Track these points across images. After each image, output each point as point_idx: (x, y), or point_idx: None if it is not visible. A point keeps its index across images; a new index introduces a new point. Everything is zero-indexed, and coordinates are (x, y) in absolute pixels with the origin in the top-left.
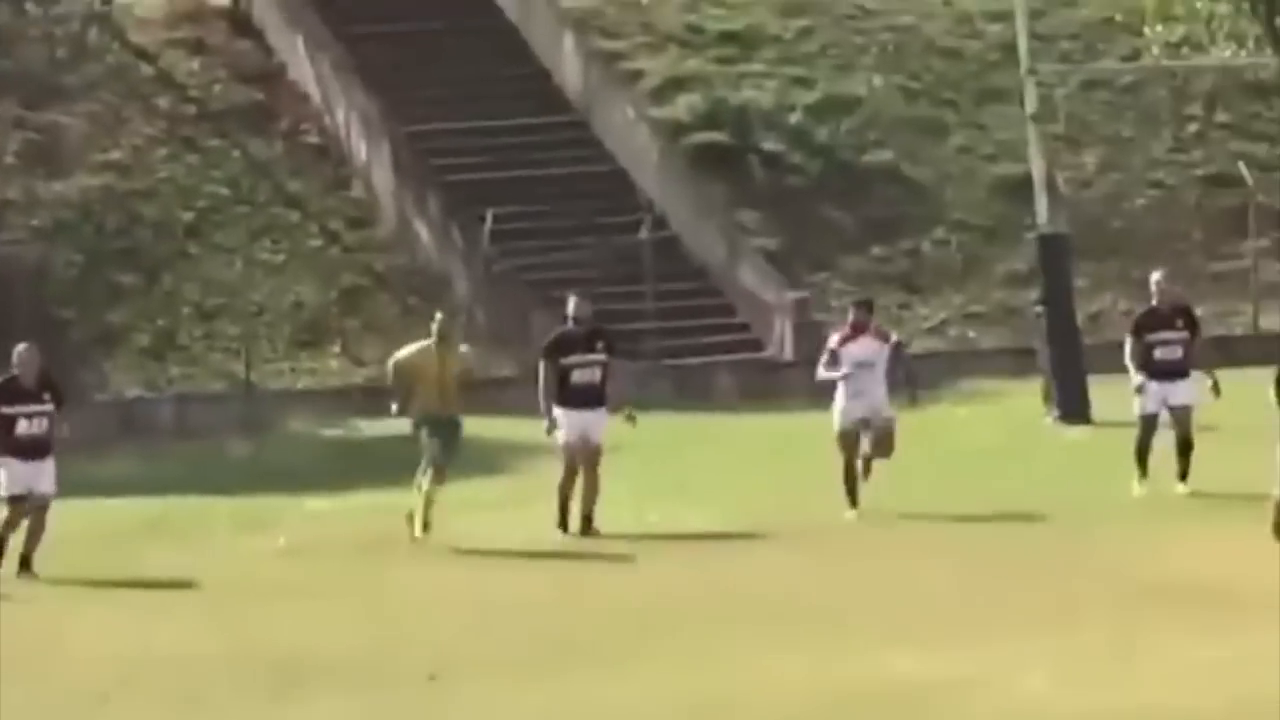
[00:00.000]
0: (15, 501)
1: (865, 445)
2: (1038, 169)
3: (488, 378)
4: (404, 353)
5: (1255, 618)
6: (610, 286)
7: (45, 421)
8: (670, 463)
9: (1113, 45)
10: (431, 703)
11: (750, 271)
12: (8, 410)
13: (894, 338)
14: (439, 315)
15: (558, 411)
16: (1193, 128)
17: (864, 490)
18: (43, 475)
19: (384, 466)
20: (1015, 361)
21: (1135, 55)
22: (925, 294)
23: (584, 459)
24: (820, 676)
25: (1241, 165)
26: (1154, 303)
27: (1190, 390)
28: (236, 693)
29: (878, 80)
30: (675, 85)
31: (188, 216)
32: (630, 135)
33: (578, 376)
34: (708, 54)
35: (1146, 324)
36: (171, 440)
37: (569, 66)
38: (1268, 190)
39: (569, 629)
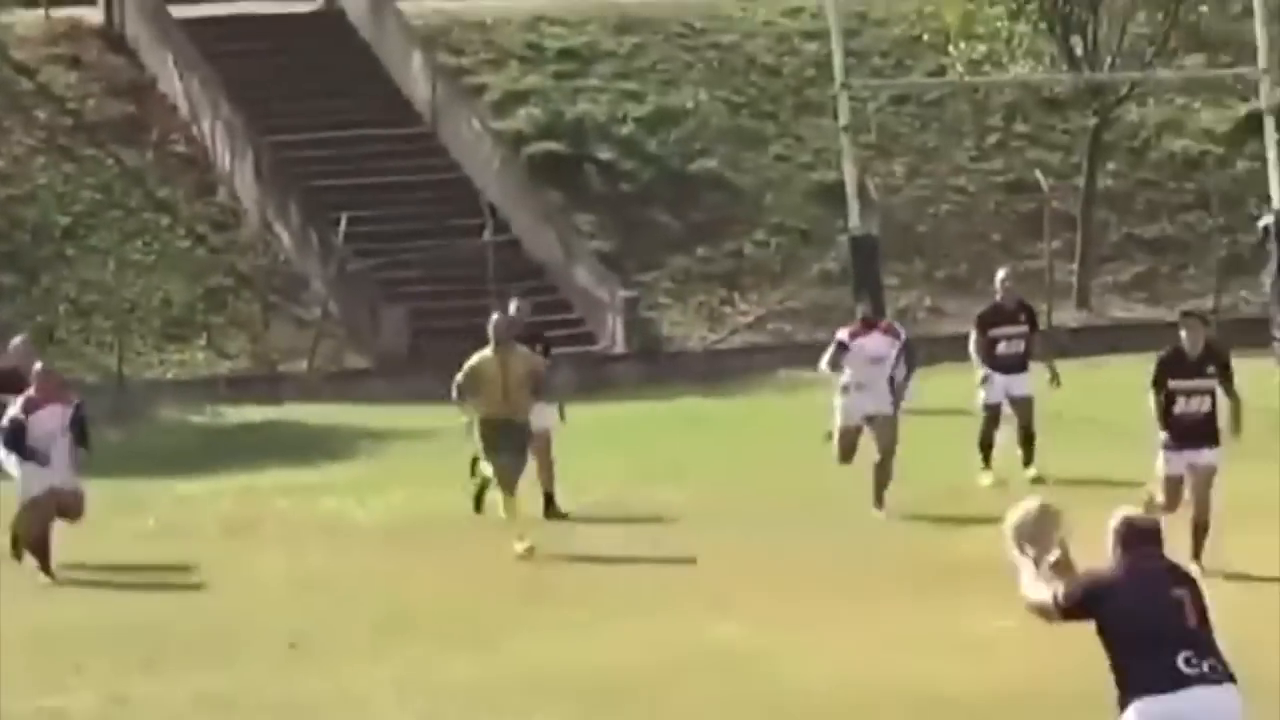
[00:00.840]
0: None
1: (875, 446)
2: (850, 176)
3: (341, 369)
4: (469, 363)
5: None
6: (455, 285)
7: None
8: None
9: (920, 62)
10: (292, 673)
11: (585, 271)
12: None
13: (904, 335)
14: (495, 317)
15: None
16: (993, 139)
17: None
18: None
19: (248, 452)
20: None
21: (941, 71)
22: (746, 291)
23: (534, 446)
24: (651, 644)
25: (1038, 173)
26: (998, 299)
27: (1030, 382)
28: (112, 665)
29: (703, 94)
30: (516, 99)
31: (65, 220)
32: (474, 145)
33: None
34: (546, 70)
35: (991, 319)
36: None
37: (418, 81)
38: (1061, 196)
39: (418, 604)
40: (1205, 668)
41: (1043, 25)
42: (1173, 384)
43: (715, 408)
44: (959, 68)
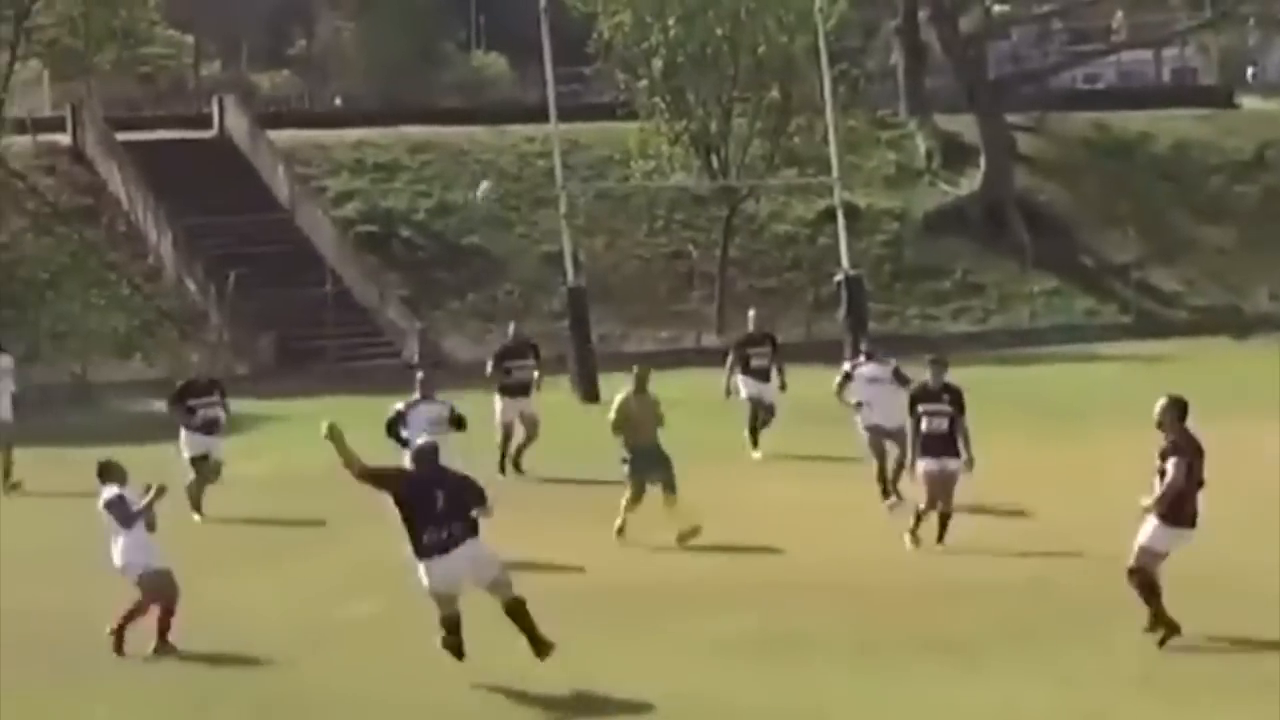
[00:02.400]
0: None
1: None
2: (567, 248)
3: (232, 375)
4: (616, 404)
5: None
6: (307, 319)
7: None
8: (344, 424)
9: (612, 172)
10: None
11: (393, 310)
12: None
13: (893, 363)
14: (636, 367)
15: (503, 399)
16: (660, 223)
17: None
18: None
19: (170, 430)
20: (555, 366)
21: (626, 178)
22: (498, 324)
23: (525, 423)
24: None
25: (690, 246)
26: (750, 330)
27: (773, 390)
28: None
29: (470, 193)
30: (346, 195)
31: (45, 275)
32: (319, 226)
33: (517, 375)
34: (366, 176)
35: (746, 343)
36: (33, 412)
37: (281, 184)
38: (705, 261)
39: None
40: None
41: (691, 148)
42: (921, 408)
43: (477, 399)
44: (638, 176)
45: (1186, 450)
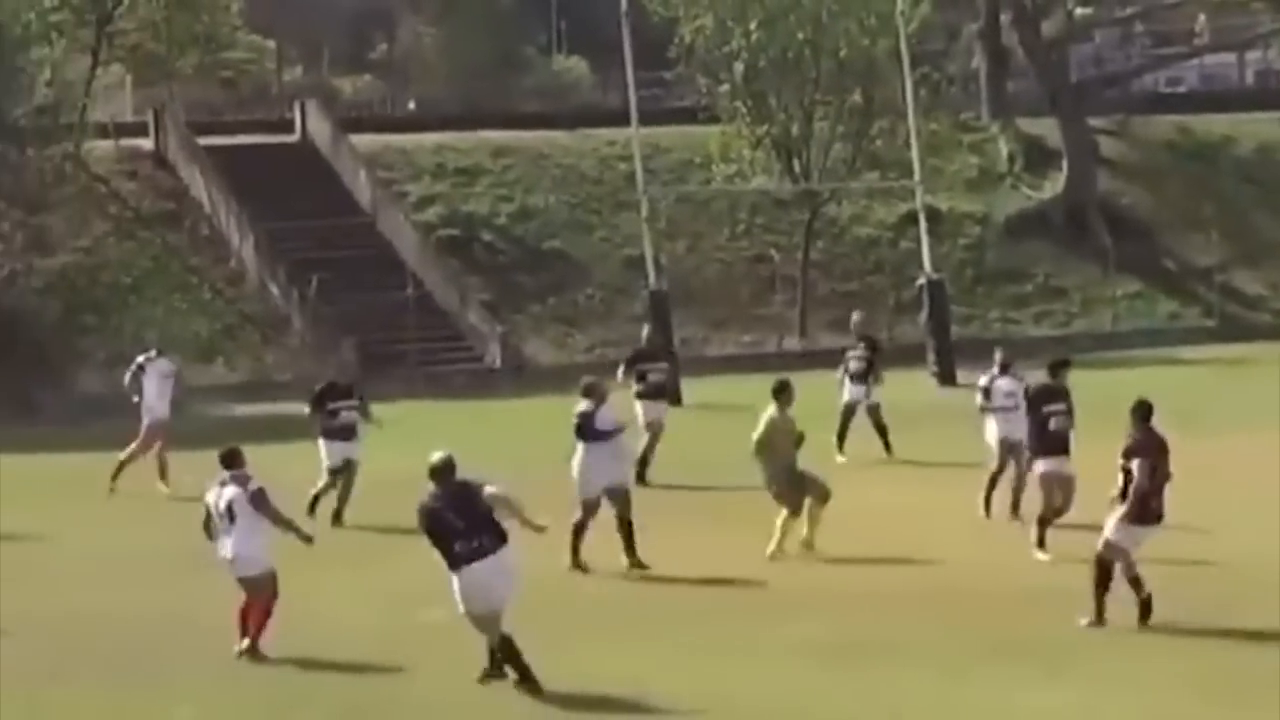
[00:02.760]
0: None
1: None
2: (649, 251)
3: (312, 379)
4: (765, 423)
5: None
6: (390, 324)
7: None
8: (426, 429)
9: (693, 175)
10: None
11: (474, 314)
12: None
13: (1026, 380)
14: (776, 382)
15: (643, 402)
16: (741, 227)
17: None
18: None
19: (252, 433)
20: None
21: (707, 182)
22: (581, 329)
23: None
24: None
25: (771, 250)
26: (852, 330)
27: (865, 389)
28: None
29: (552, 198)
30: (428, 200)
31: (128, 280)
32: (401, 231)
33: (652, 379)
34: (447, 181)
35: (846, 349)
36: (119, 417)
37: (363, 188)
38: (787, 265)
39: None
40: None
41: (773, 152)
42: (1045, 409)
43: (559, 404)
44: (719, 179)
45: (1150, 450)
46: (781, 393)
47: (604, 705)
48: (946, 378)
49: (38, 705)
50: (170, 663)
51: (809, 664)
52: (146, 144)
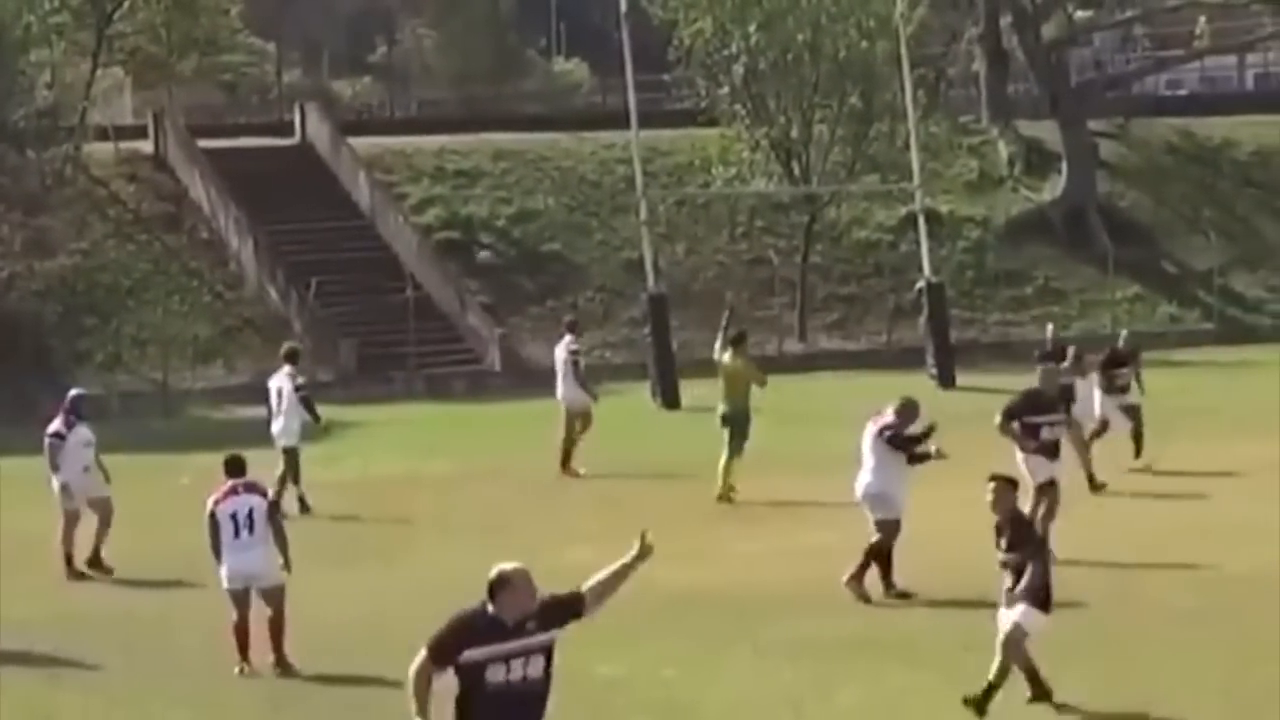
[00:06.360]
0: None
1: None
2: (647, 254)
3: (313, 381)
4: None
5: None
6: (388, 325)
7: None
8: (425, 431)
9: (693, 178)
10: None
11: (473, 316)
12: None
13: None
14: (736, 332)
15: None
16: (740, 229)
17: None
18: None
19: (252, 435)
20: (636, 373)
21: (706, 185)
22: (581, 331)
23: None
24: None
25: (770, 252)
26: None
27: None
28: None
29: (551, 200)
30: (427, 202)
31: (127, 283)
32: (399, 233)
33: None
34: (447, 183)
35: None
36: (116, 419)
37: (362, 191)
38: (786, 268)
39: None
40: None
41: (772, 155)
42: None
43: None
44: (718, 182)
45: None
46: (740, 342)
47: (601, 702)
48: (946, 380)
49: (34, 707)
50: (165, 665)
51: (808, 662)
52: (146, 147)
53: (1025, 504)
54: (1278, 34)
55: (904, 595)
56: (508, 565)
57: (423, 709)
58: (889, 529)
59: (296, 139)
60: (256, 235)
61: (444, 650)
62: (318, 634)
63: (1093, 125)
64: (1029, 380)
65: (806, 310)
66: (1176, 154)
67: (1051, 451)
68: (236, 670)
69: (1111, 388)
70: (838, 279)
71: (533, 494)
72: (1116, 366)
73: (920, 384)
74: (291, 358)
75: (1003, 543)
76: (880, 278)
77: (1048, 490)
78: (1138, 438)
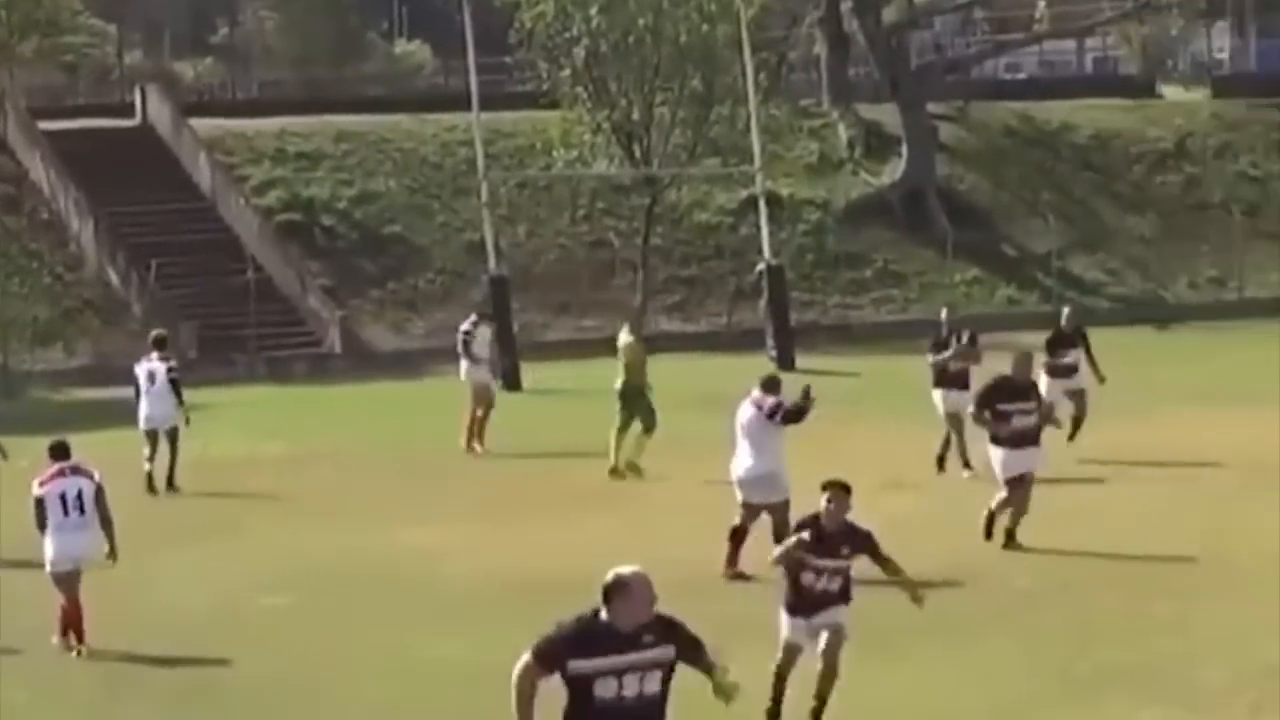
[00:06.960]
0: None
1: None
2: (489, 236)
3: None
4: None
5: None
6: (229, 308)
7: None
8: (265, 413)
9: (534, 160)
10: None
11: (314, 299)
12: None
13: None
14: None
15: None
16: (582, 212)
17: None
18: None
19: (91, 417)
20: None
21: (548, 167)
22: (421, 312)
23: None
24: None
25: (611, 235)
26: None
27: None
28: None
29: (392, 183)
30: (268, 184)
31: None
32: (241, 215)
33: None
34: (288, 165)
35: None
36: None
37: (203, 172)
38: (627, 250)
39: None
40: None
41: (613, 137)
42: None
43: (398, 389)
44: (560, 165)
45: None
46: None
47: (456, 686)
48: (785, 362)
49: None
50: (2, 648)
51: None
52: None
53: (994, 498)
54: (1116, 18)
55: (745, 577)
56: (625, 569)
57: (525, 716)
58: (779, 510)
59: (137, 120)
60: (97, 217)
61: (548, 656)
62: (157, 615)
63: (932, 108)
64: (868, 362)
65: (646, 292)
66: (1015, 137)
67: (1022, 440)
68: (73, 654)
69: (1057, 370)
70: (678, 261)
71: (371, 475)
72: (1061, 347)
73: (760, 366)
74: (160, 344)
75: (845, 550)
76: (721, 260)
77: (1017, 486)
78: (1077, 423)
